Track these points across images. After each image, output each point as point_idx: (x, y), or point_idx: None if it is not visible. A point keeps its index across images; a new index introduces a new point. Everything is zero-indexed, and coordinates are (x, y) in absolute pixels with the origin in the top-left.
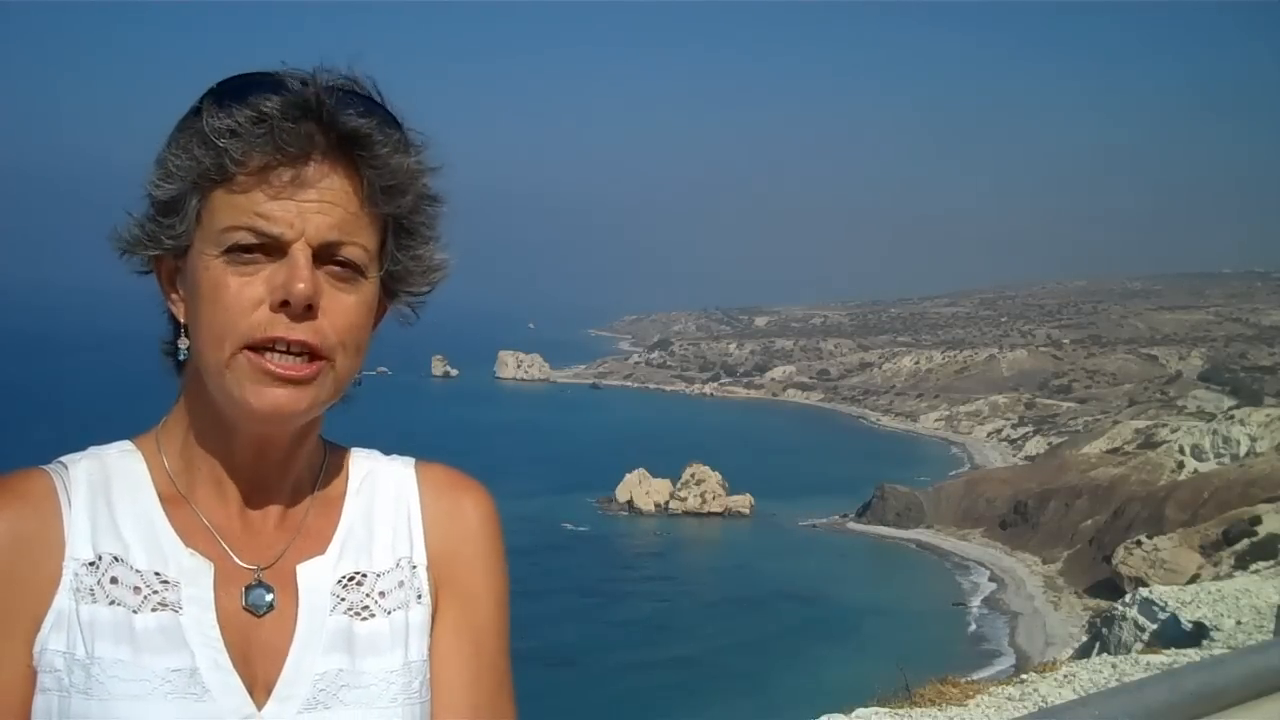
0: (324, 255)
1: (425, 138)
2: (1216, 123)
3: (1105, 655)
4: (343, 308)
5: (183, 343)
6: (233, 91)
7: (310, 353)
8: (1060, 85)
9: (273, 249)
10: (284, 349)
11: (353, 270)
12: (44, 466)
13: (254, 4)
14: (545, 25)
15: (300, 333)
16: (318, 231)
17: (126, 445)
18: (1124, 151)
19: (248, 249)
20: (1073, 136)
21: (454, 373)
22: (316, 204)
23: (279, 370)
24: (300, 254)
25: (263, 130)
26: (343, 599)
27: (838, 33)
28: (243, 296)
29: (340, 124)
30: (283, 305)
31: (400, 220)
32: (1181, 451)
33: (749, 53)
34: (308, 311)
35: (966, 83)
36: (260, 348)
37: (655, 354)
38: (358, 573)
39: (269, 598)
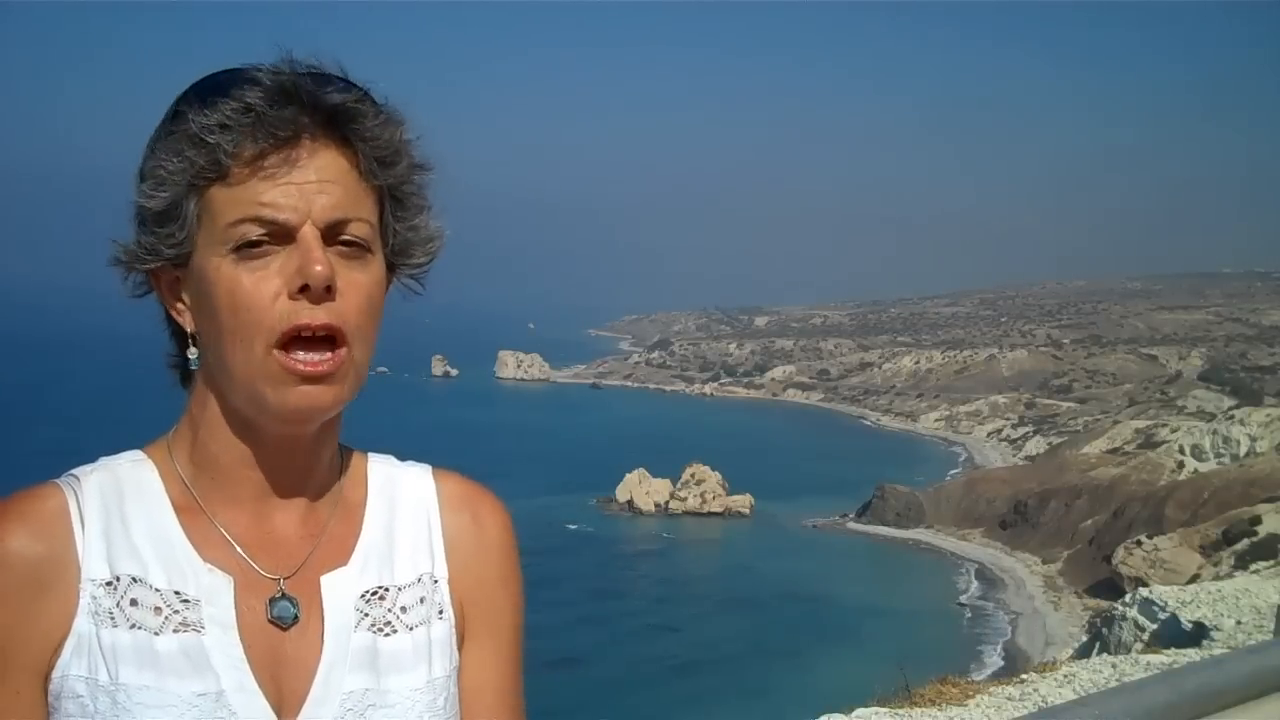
0: (330, 236)
1: (399, 109)
2: (1217, 123)
3: (1105, 655)
4: (357, 287)
5: (192, 352)
6: (212, 89)
7: (332, 337)
8: (1060, 85)
9: (280, 237)
10: (309, 336)
11: (360, 248)
12: (55, 480)
13: (254, 5)
14: (545, 26)
15: (323, 315)
16: (323, 212)
17: (137, 455)
18: (1124, 151)
19: (255, 243)
20: (1073, 136)
21: (454, 373)
22: (316, 184)
23: (306, 369)
24: (310, 236)
25: (251, 119)
26: (366, 614)
27: (837, 33)
28: (260, 292)
29: (325, 102)
30: (302, 290)
31: (393, 192)
32: (1181, 451)
33: (749, 53)
34: (327, 293)
35: (966, 83)
36: (287, 344)
37: (655, 354)
38: (380, 587)
39: (294, 610)
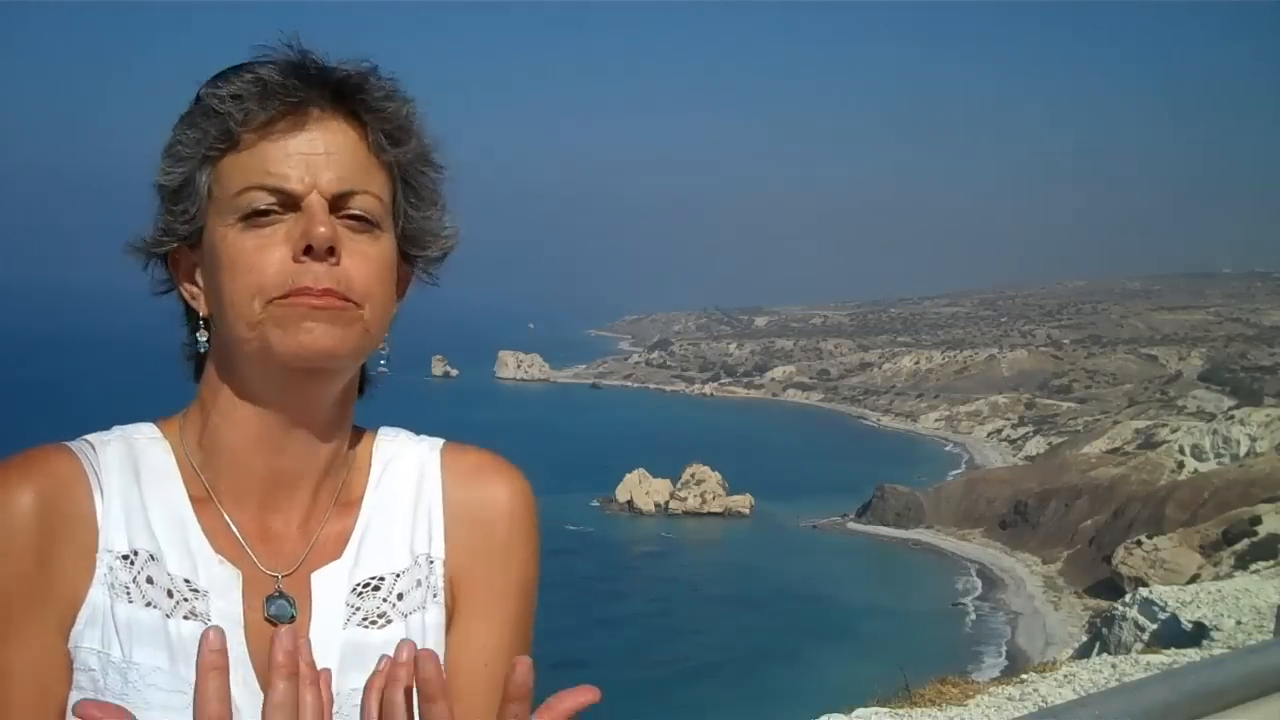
0: (338, 207)
1: (424, 111)
2: (1216, 123)
3: (1105, 655)
4: (365, 257)
5: (201, 334)
6: (229, 70)
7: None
8: (1060, 86)
9: (288, 206)
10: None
11: (368, 223)
12: (68, 444)
13: (258, 4)
14: (545, 26)
15: (326, 279)
16: (330, 183)
17: (153, 431)
18: (1124, 152)
19: (264, 212)
20: (1072, 137)
21: (454, 373)
22: (324, 155)
23: (313, 303)
24: (316, 203)
25: (260, 88)
26: (357, 609)
27: (836, 33)
28: (265, 256)
29: (333, 75)
30: (306, 252)
31: (406, 177)
32: (1181, 451)
33: (748, 54)
34: (330, 255)
35: (966, 83)
36: (289, 297)
37: (655, 354)
38: (374, 578)
39: (291, 609)
